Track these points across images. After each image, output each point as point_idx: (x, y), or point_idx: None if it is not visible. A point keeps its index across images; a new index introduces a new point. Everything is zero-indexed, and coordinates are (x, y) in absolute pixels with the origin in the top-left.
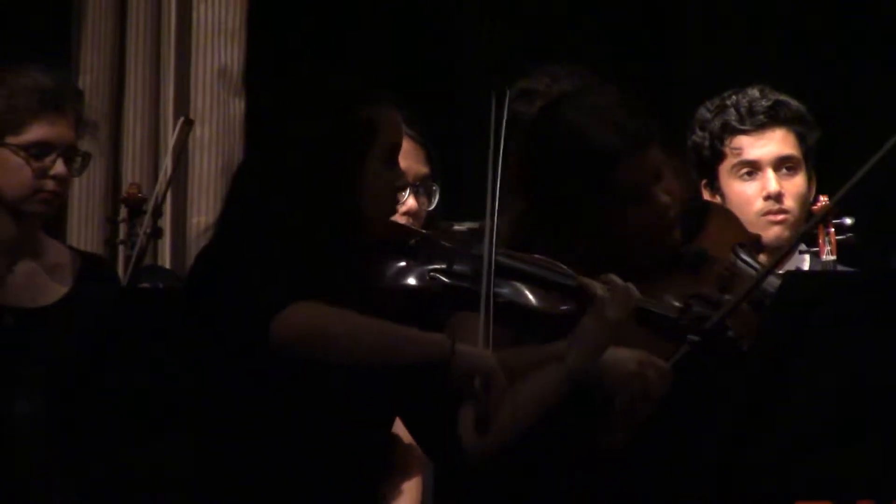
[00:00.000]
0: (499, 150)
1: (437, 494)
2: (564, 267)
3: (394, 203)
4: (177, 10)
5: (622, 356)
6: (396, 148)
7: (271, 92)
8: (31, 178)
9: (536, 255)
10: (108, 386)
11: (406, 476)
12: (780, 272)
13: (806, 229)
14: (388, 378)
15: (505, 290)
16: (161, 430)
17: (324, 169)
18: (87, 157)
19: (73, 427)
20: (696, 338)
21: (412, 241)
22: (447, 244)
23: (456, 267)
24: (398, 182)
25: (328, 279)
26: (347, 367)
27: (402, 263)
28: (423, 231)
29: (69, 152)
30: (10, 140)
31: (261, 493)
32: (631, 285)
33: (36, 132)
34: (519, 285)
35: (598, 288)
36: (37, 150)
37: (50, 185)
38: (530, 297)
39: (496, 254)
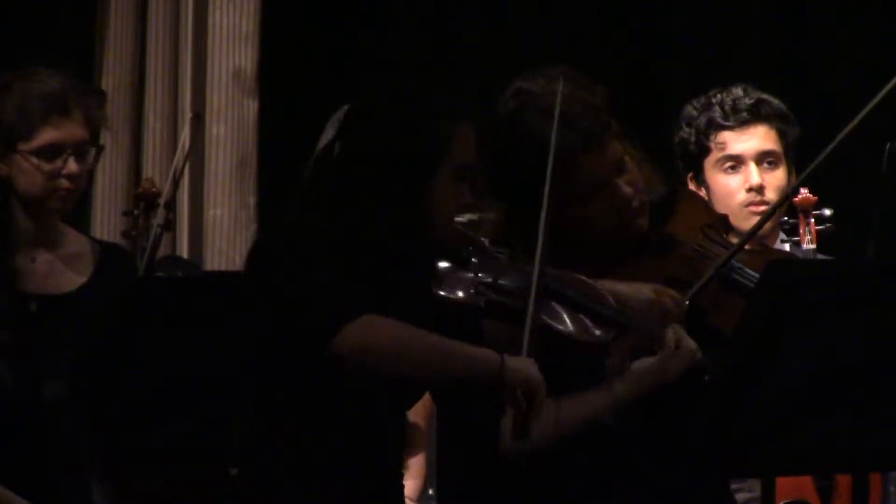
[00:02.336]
0: (555, 168)
1: (439, 469)
2: (609, 298)
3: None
4: (194, 15)
5: (638, 286)
6: (467, 166)
7: (357, 103)
8: (46, 180)
9: (580, 277)
10: (128, 368)
11: (410, 452)
12: (749, 249)
13: (772, 209)
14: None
15: (544, 311)
16: (181, 411)
17: (395, 183)
18: (100, 148)
19: (98, 408)
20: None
21: (465, 251)
22: (499, 256)
23: (502, 281)
24: (463, 199)
25: (387, 286)
26: (400, 381)
27: (453, 273)
28: (480, 240)
29: (80, 149)
30: (22, 147)
31: (300, 467)
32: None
33: (45, 137)
34: (558, 308)
35: (670, 340)
36: (48, 154)
37: (64, 183)
38: (567, 321)
39: (542, 273)
